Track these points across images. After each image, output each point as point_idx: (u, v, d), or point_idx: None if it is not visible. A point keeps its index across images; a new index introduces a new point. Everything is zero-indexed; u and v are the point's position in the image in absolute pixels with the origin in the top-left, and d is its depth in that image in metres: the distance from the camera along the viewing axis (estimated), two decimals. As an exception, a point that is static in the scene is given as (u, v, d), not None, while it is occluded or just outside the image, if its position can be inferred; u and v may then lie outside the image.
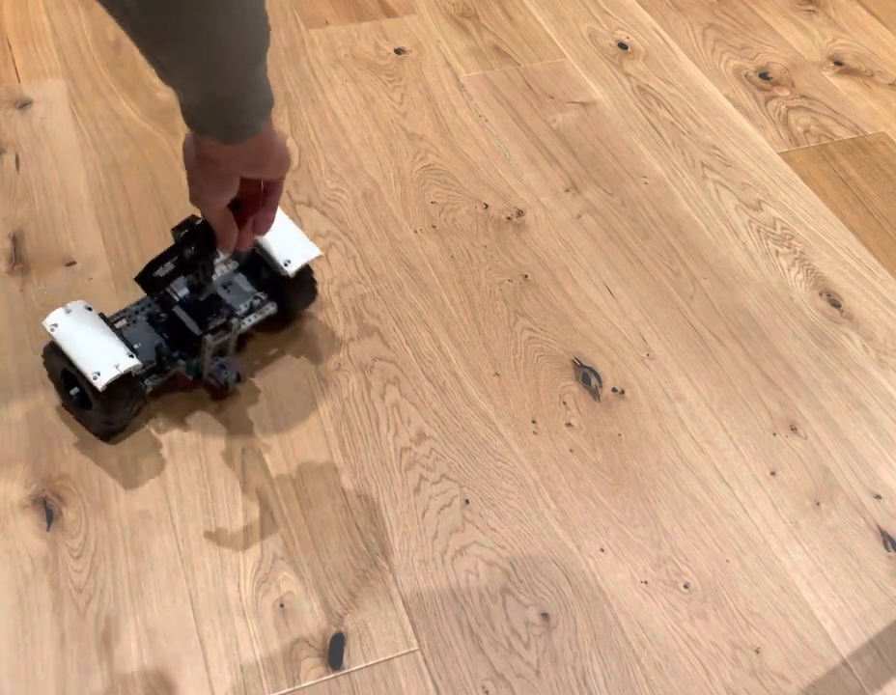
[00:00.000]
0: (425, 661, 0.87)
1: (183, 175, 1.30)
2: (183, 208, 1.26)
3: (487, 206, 1.29)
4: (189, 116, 0.71)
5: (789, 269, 1.23)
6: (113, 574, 0.92)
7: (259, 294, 1.08)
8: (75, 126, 1.37)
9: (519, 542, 0.96)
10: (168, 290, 1.00)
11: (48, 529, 0.95)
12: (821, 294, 1.21)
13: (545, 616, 0.91)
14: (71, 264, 1.19)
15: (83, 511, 0.96)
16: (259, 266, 1.08)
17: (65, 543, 0.94)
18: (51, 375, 1.02)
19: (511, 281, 1.20)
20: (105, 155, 1.32)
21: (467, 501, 0.99)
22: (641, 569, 0.94)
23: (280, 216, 1.02)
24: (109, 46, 1.49)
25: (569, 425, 1.06)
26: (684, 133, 1.42)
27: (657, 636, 0.90)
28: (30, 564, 0.92)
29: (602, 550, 0.96)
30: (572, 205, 1.30)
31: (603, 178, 1.34)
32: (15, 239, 1.21)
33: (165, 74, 0.65)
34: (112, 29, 1.52)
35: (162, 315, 1.02)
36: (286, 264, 1.06)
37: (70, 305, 0.98)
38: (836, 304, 1.20)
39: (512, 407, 1.07)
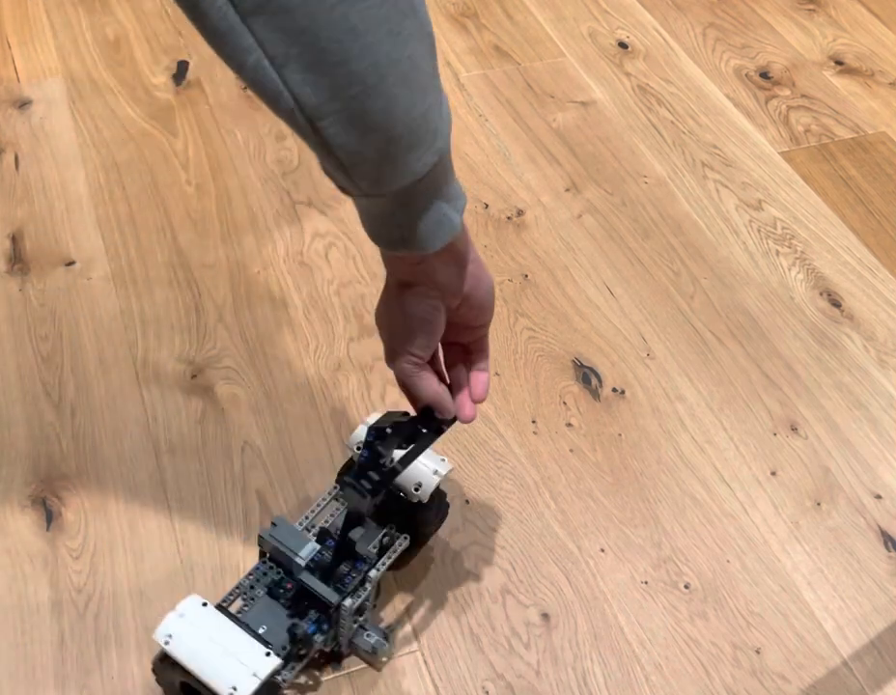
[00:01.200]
0: (425, 661, 0.87)
1: (183, 173, 1.31)
2: (183, 208, 1.26)
3: (487, 205, 1.29)
4: (380, 232, 0.62)
5: (789, 269, 1.23)
6: (112, 574, 0.92)
7: (388, 530, 0.88)
8: (75, 126, 1.36)
9: (519, 542, 0.96)
10: (286, 550, 0.82)
11: (48, 529, 0.95)
12: (821, 294, 1.21)
13: (545, 616, 0.91)
14: (71, 263, 1.19)
15: (83, 511, 0.96)
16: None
17: (64, 544, 0.94)
18: (166, 689, 0.83)
19: (511, 281, 1.20)
20: (105, 155, 1.32)
21: (467, 501, 0.99)
22: (641, 569, 0.94)
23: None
24: (109, 46, 1.49)
25: (569, 425, 1.06)
26: (684, 133, 1.42)
27: (657, 636, 0.90)
28: (30, 564, 0.92)
29: (603, 550, 0.95)
30: (572, 204, 1.30)
31: (604, 177, 1.34)
32: (15, 239, 1.21)
33: (349, 180, 0.57)
34: (112, 29, 1.52)
35: (287, 584, 0.83)
36: (416, 489, 0.88)
37: (181, 607, 0.79)
38: (837, 304, 1.19)
39: (512, 407, 1.07)
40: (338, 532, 0.83)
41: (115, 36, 1.51)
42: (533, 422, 1.06)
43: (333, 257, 1.21)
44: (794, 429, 1.06)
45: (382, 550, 0.86)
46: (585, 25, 1.60)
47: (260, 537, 0.84)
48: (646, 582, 0.93)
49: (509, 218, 1.28)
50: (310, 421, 1.04)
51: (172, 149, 1.34)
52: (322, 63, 0.50)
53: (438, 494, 0.90)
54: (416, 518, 0.89)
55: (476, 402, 0.75)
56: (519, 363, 1.11)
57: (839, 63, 1.56)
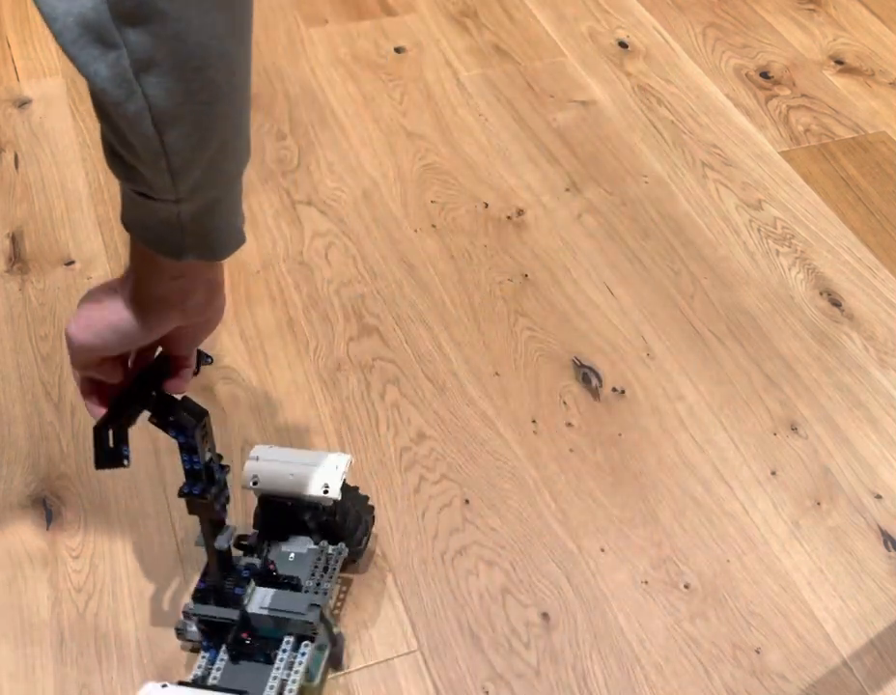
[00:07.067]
0: (425, 661, 0.87)
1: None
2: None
3: (487, 205, 1.29)
4: (174, 237, 0.61)
5: (789, 269, 1.23)
6: (112, 574, 0.92)
7: (323, 545, 0.88)
8: (74, 125, 1.36)
9: (519, 542, 0.96)
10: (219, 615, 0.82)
11: (48, 528, 0.95)
12: (821, 294, 1.20)
13: (545, 616, 0.91)
14: (71, 263, 1.19)
15: (82, 510, 0.96)
16: (300, 515, 0.88)
17: (64, 543, 0.94)
18: None
19: (511, 280, 1.20)
20: (105, 154, 1.32)
21: (467, 501, 0.99)
22: (641, 569, 0.94)
23: (283, 452, 0.88)
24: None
25: (569, 424, 1.06)
26: (684, 132, 1.42)
27: (657, 636, 0.90)
28: (29, 563, 0.92)
29: (603, 550, 0.95)
30: (572, 204, 1.30)
31: (604, 177, 1.34)
32: (15, 239, 1.21)
33: (176, 180, 0.56)
34: (112, 28, 1.52)
35: (243, 635, 0.82)
36: (325, 491, 0.85)
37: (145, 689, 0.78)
38: (837, 303, 1.19)
39: (512, 407, 1.07)
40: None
41: (115, 35, 1.51)
42: (533, 422, 1.06)
43: (333, 256, 1.21)
44: (794, 428, 1.06)
45: (326, 568, 0.86)
46: (585, 25, 1.60)
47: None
48: (646, 582, 0.93)
49: (509, 218, 1.28)
50: (310, 421, 1.04)
51: (172, 148, 1.34)
52: (184, 68, 0.51)
53: (355, 495, 0.90)
54: (337, 524, 0.87)
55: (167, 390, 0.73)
56: (519, 363, 1.11)
57: (839, 62, 1.56)
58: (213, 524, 0.78)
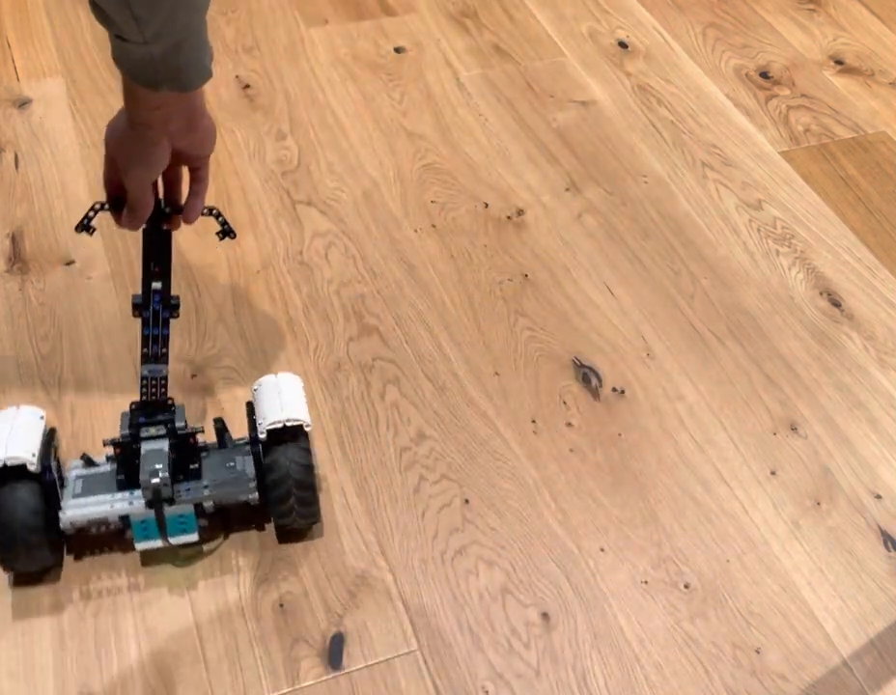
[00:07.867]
0: (425, 661, 0.87)
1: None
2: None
3: (487, 205, 1.29)
4: (148, 72, 0.73)
5: (789, 269, 1.23)
6: (112, 574, 0.92)
7: (249, 475, 0.90)
8: (74, 125, 1.36)
9: (519, 542, 0.96)
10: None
11: (48, 529, 0.95)
12: (821, 294, 1.20)
13: (545, 616, 0.91)
14: (71, 263, 1.19)
15: (82, 510, 0.96)
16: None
17: (64, 543, 0.94)
18: None
19: (511, 280, 1.20)
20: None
21: (467, 501, 0.99)
22: (641, 569, 0.94)
23: (292, 380, 0.92)
24: (108, 45, 1.49)
25: (569, 424, 1.06)
26: (684, 132, 1.42)
27: (657, 636, 0.90)
28: (29, 564, 0.92)
29: (603, 550, 0.95)
30: (572, 204, 1.30)
31: (604, 177, 1.34)
32: (15, 239, 1.21)
33: (140, 25, 0.69)
34: (112, 28, 1.52)
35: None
36: (259, 423, 0.88)
37: (24, 407, 0.89)
38: (837, 304, 1.19)
39: (512, 407, 1.07)
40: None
41: (115, 35, 1.51)
42: (533, 422, 1.06)
43: (333, 256, 1.21)
44: (794, 428, 1.06)
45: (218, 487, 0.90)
46: (585, 25, 1.60)
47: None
48: (646, 582, 0.93)
49: (509, 218, 1.28)
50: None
51: (172, 148, 1.34)
52: None
53: (293, 456, 0.88)
54: (259, 468, 0.89)
55: (186, 223, 0.87)
56: (519, 363, 1.11)
57: (839, 62, 1.56)
58: (143, 346, 0.88)
